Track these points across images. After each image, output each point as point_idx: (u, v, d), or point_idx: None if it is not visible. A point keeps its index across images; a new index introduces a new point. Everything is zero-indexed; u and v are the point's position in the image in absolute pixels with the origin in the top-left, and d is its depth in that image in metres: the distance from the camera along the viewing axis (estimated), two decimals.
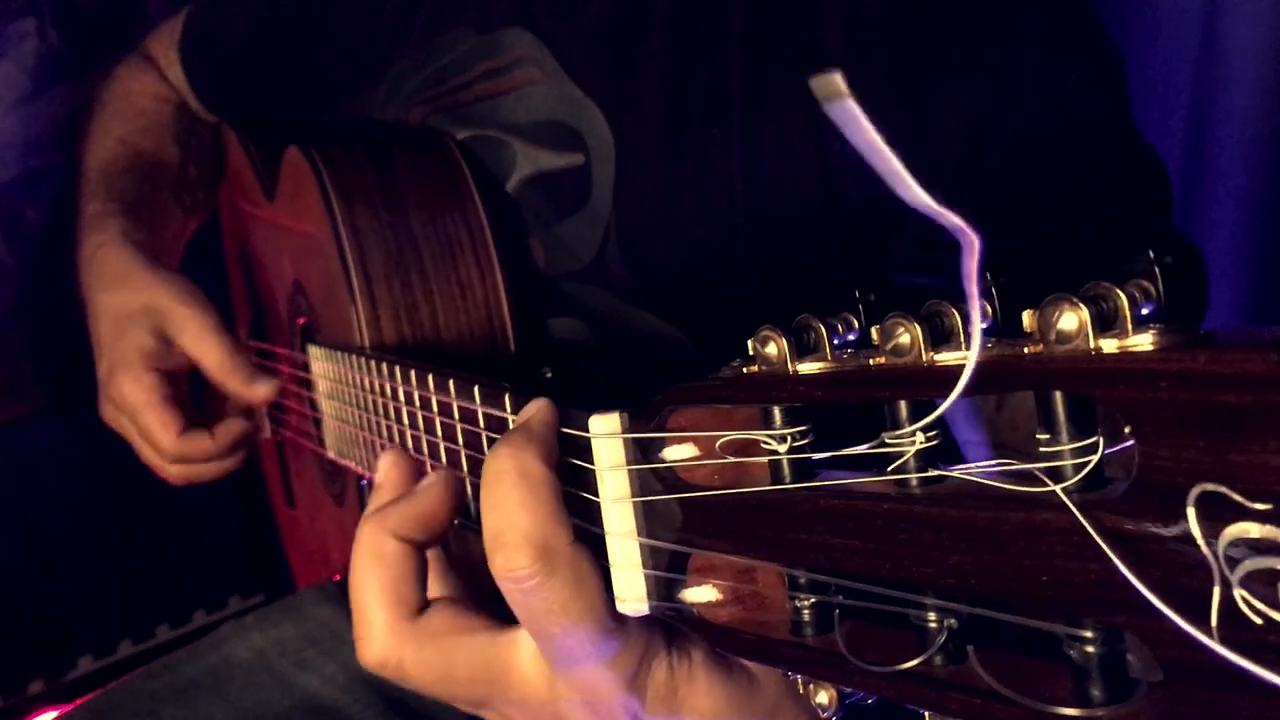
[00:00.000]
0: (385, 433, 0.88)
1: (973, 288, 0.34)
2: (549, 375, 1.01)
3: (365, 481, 1.06)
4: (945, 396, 0.37)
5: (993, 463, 0.39)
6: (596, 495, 0.52)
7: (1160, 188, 0.83)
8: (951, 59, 0.80)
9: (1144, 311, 0.36)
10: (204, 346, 1.11)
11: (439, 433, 0.75)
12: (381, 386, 0.87)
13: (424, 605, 0.58)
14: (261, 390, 1.12)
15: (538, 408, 0.55)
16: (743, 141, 0.86)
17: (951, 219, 0.34)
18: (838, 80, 0.32)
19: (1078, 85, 0.80)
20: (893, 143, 0.90)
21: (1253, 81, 1.16)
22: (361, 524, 0.59)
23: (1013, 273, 0.41)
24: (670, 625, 0.54)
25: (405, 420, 0.82)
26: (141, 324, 1.12)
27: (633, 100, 0.93)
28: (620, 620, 0.52)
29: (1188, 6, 1.19)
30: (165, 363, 1.13)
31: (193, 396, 1.20)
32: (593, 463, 0.51)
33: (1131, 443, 0.34)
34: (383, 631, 0.57)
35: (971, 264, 0.34)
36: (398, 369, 0.82)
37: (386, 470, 0.63)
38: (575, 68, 0.97)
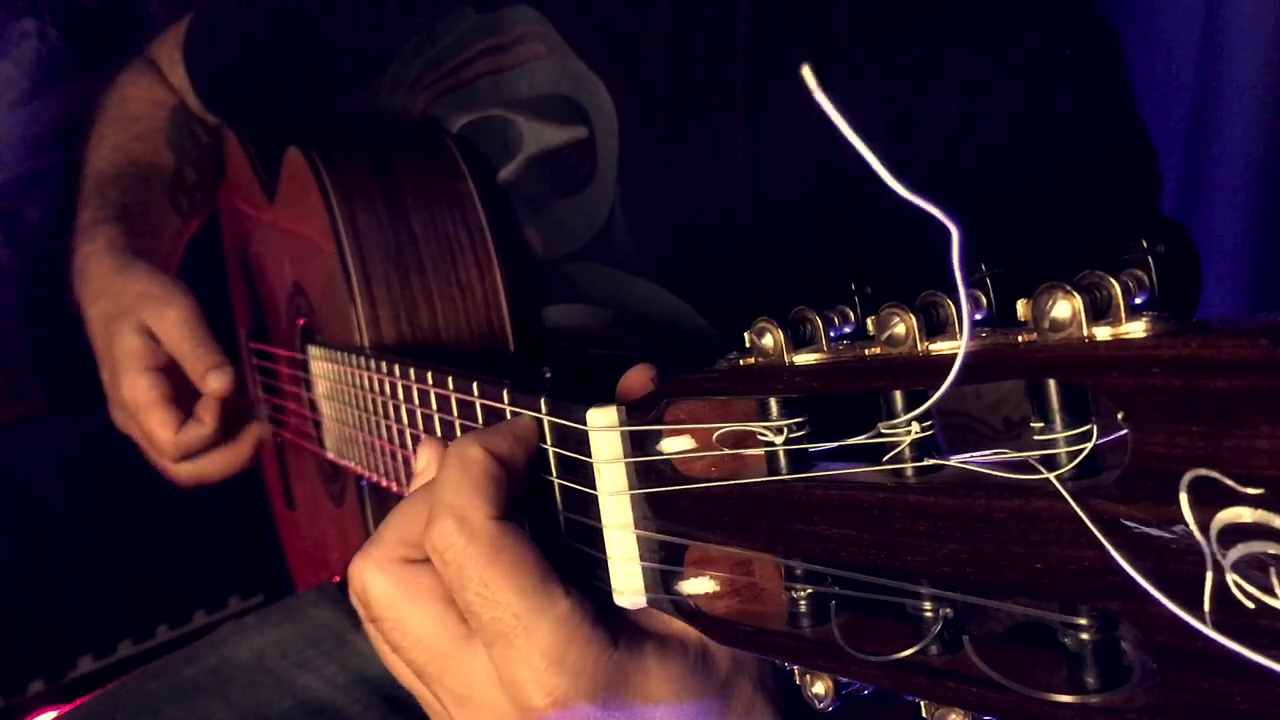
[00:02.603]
0: (384, 432, 0.88)
1: (958, 274, 0.34)
2: (548, 375, 1.01)
3: (365, 482, 1.06)
4: (940, 386, 0.38)
5: (987, 452, 0.39)
6: (594, 489, 0.52)
7: (1148, 166, 0.84)
8: (948, 30, 0.82)
9: (1137, 301, 0.36)
10: (173, 336, 1.12)
11: (437, 430, 0.75)
12: (380, 384, 0.87)
13: (501, 515, 0.54)
14: (213, 382, 1.12)
15: (520, 416, 0.58)
16: (746, 112, 0.87)
17: (931, 209, 0.34)
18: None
19: (1071, 60, 0.81)
20: (889, 111, 0.91)
21: (1253, 82, 1.16)
22: (450, 446, 0.57)
23: (1006, 263, 0.41)
24: (621, 618, 0.54)
25: (404, 418, 0.82)
26: (126, 325, 1.13)
27: (636, 73, 0.94)
28: (552, 602, 0.52)
29: (1189, 6, 1.19)
30: (156, 359, 1.14)
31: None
32: (590, 456, 0.52)
33: (1125, 431, 0.34)
34: (456, 517, 0.53)
35: (955, 253, 0.34)
36: (397, 366, 0.82)
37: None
38: (579, 42, 0.97)
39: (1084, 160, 0.83)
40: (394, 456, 0.88)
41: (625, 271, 0.95)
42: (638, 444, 0.51)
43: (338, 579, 1.30)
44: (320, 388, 1.10)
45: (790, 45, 0.86)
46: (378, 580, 0.57)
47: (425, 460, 0.65)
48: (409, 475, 0.87)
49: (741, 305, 0.48)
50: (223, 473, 1.22)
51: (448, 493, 0.53)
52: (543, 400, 0.57)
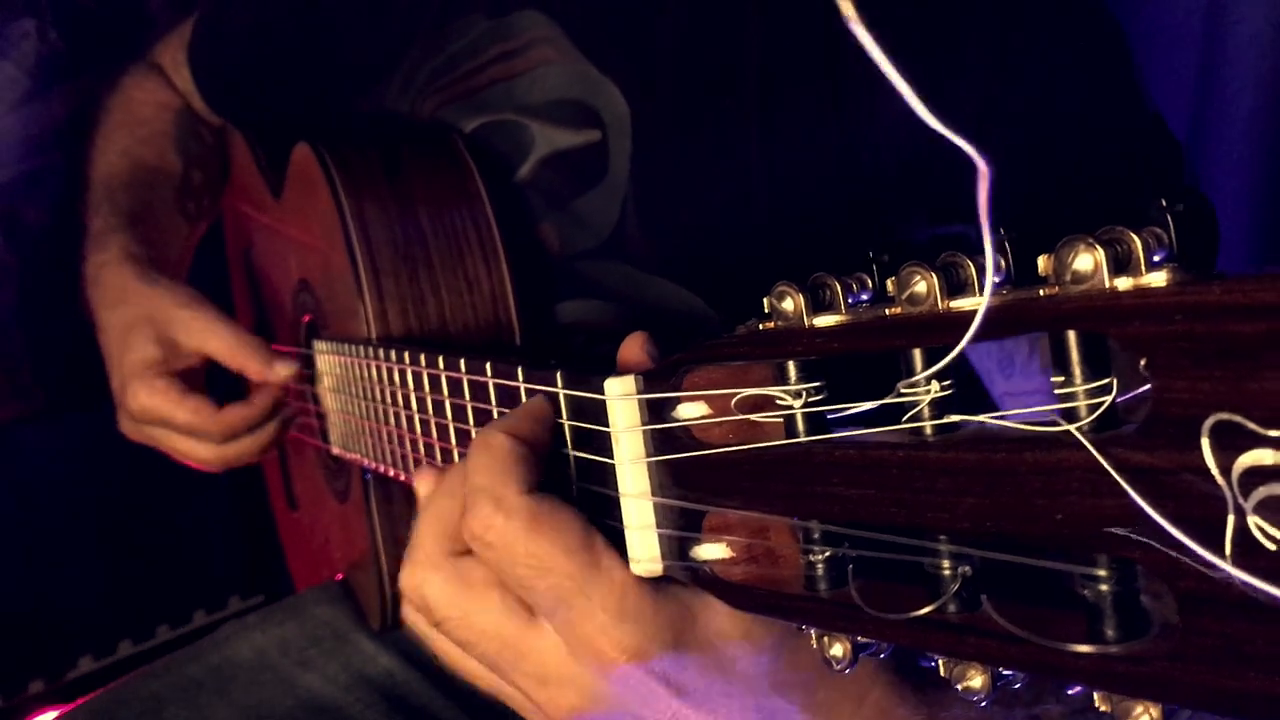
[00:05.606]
0: (393, 420, 0.89)
1: (985, 216, 0.35)
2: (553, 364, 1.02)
3: (369, 475, 1.06)
4: (959, 342, 0.38)
5: (1004, 413, 0.40)
6: (611, 458, 0.52)
7: (1169, 157, 0.85)
8: (961, 31, 0.83)
9: (1156, 258, 0.36)
10: (211, 339, 1.12)
11: (448, 414, 0.76)
12: (390, 373, 0.88)
13: (532, 490, 0.55)
14: (281, 370, 1.13)
15: (532, 398, 0.60)
16: (759, 110, 0.88)
17: (965, 146, 0.35)
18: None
19: (1081, 59, 0.82)
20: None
21: (1254, 83, 1.17)
22: (474, 437, 0.59)
23: (1023, 227, 0.42)
24: None
25: (414, 405, 0.83)
26: (145, 334, 1.14)
27: (648, 74, 0.94)
28: (599, 556, 0.53)
29: (1189, 6, 1.21)
30: (174, 367, 1.14)
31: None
32: (608, 425, 0.52)
33: (1144, 389, 0.35)
34: (490, 498, 0.54)
35: (983, 192, 0.35)
36: (407, 353, 0.83)
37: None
38: (590, 46, 0.98)
39: (1098, 158, 0.83)
40: (404, 443, 0.88)
41: (639, 269, 0.96)
42: (655, 412, 0.51)
43: (340, 577, 1.30)
44: (326, 382, 1.11)
45: (802, 45, 0.87)
46: (432, 580, 0.58)
47: (424, 488, 0.65)
48: (419, 463, 0.87)
49: (756, 301, 0.49)
50: (254, 455, 1.21)
51: (478, 478, 0.55)
52: (559, 374, 0.57)
